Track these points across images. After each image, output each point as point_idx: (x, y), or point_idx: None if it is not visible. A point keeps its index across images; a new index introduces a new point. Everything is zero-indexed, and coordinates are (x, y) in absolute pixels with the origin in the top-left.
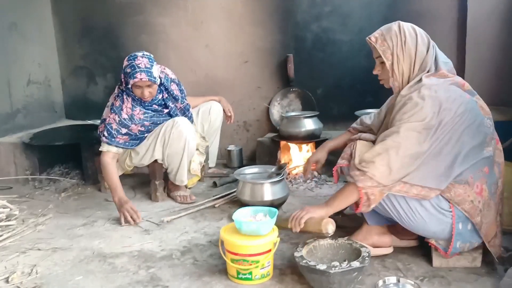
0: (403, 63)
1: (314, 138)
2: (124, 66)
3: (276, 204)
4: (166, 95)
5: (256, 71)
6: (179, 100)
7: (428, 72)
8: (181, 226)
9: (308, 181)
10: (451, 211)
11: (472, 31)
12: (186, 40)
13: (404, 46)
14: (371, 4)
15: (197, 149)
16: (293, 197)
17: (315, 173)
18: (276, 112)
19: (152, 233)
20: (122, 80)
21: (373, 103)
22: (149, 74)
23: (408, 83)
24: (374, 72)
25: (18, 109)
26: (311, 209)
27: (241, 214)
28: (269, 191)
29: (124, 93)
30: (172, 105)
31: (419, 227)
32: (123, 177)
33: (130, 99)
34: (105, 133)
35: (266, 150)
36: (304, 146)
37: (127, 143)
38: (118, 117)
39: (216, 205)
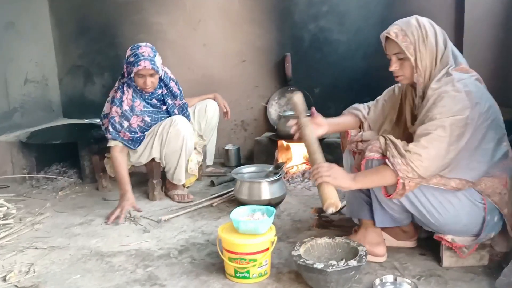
0: (426, 58)
1: None
2: (127, 55)
3: (274, 203)
4: (166, 91)
5: (254, 70)
6: (178, 97)
7: (450, 66)
8: (178, 225)
9: (306, 180)
10: (483, 203)
11: (469, 31)
12: (183, 39)
13: (426, 40)
14: (368, 4)
15: (195, 148)
16: (290, 196)
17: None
18: (273, 111)
19: (149, 232)
20: (124, 70)
21: None
22: (152, 62)
23: (429, 78)
24: (391, 69)
25: (15, 108)
26: (336, 175)
27: (238, 213)
28: (266, 190)
29: (125, 84)
30: (171, 102)
31: (449, 221)
32: None
33: (130, 91)
34: (110, 128)
35: (263, 149)
36: (302, 145)
37: (129, 141)
38: (120, 109)
39: (214, 204)
